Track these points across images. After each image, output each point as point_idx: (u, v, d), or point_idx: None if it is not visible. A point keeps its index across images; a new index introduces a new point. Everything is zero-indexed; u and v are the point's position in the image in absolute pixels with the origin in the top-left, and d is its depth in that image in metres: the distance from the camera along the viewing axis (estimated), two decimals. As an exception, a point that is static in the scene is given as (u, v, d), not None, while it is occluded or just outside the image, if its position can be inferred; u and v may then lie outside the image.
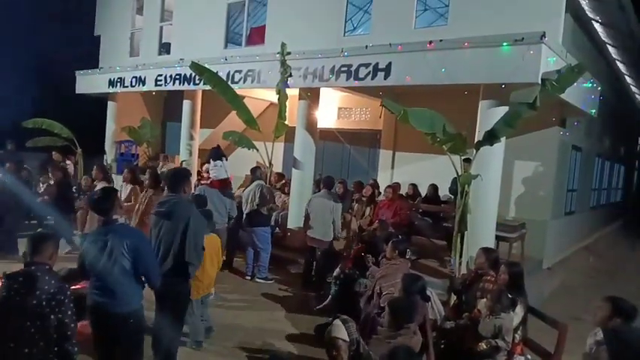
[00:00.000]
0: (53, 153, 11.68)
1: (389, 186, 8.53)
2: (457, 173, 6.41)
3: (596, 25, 10.06)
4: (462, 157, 6.56)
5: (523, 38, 6.15)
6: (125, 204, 7.28)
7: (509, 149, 7.21)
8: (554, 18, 6.74)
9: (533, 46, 6.10)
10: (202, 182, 8.63)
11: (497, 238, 7.39)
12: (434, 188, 9.49)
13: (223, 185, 7.48)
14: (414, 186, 9.74)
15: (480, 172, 6.35)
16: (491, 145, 6.19)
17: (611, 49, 11.65)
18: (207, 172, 8.72)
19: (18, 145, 12.26)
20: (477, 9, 7.41)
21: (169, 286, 3.84)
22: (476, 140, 6.49)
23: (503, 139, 6.38)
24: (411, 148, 10.61)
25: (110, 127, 13.88)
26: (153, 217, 4.11)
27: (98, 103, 14.46)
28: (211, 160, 8.26)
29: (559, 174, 9.20)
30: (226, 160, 8.45)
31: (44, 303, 2.78)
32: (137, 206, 6.71)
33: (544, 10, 6.78)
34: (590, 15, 9.48)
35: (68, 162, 11.66)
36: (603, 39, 10.90)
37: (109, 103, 13.90)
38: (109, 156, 13.83)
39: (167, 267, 3.87)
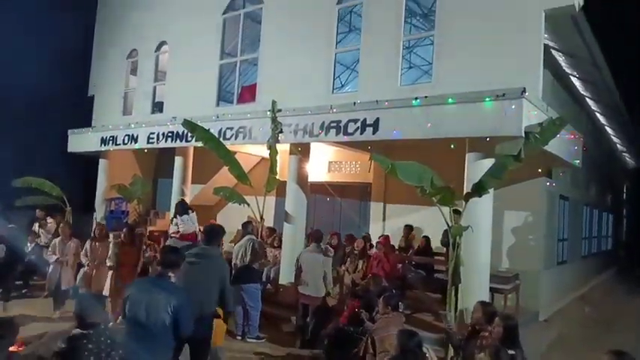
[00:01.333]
0: (37, 211, 11.58)
1: (378, 241, 8.51)
2: (448, 225, 6.45)
3: (574, 80, 10.53)
4: (452, 209, 6.62)
5: (504, 94, 6.41)
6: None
7: (498, 200, 7.31)
8: (533, 74, 7.04)
9: (514, 101, 6.34)
10: (172, 235, 8.64)
11: (492, 290, 7.34)
12: (426, 240, 9.49)
13: (192, 238, 7.95)
14: (406, 238, 9.73)
15: (470, 224, 6.38)
16: (480, 196, 6.27)
17: (590, 102, 12.12)
18: (177, 225, 8.84)
19: (6, 204, 12.14)
20: (458, 66, 7.74)
21: (198, 333, 4.14)
22: (464, 192, 6.58)
23: (491, 190, 6.48)
24: (401, 200, 10.69)
25: (101, 184, 13.87)
26: (186, 265, 4.43)
27: (89, 161, 14.54)
28: (178, 216, 8.57)
29: (549, 223, 9.28)
30: (193, 212, 8.79)
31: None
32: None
33: (523, 67, 7.10)
34: (568, 70, 9.95)
35: (50, 220, 11.51)
36: (582, 92, 11.37)
37: (101, 160, 13.97)
38: (99, 213, 13.72)
39: (199, 314, 4.20)
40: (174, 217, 9.09)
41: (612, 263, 18.87)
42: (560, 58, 9.28)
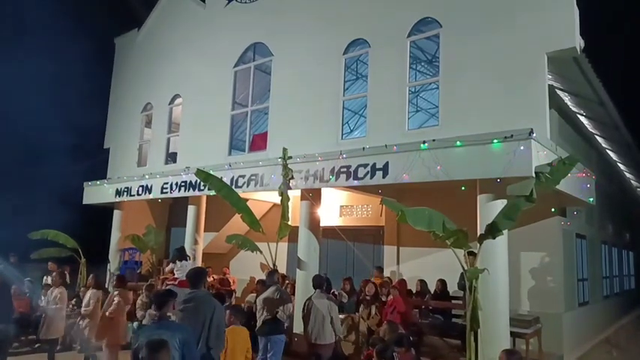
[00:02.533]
0: (49, 263, 11.69)
1: (394, 285, 8.36)
2: (463, 268, 6.36)
3: (582, 119, 10.59)
4: (466, 251, 6.55)
5: (512, 135, 6.47)
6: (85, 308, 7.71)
7: (513, 241, 7.22)
8: (540, 115, 7.12)
9: (523, 142, 6.39)
10: (169, 282, 8.61)
11: (513, 334, 7.12)
12: (442, 283, 9.31)
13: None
14: (421, 282, 9.56)
15: (486, 266, 6.30)
16: (494, 238, 6.21)
17: (599, 139, 12.12)
18: (172, 272, 8.86)
19: (21, 257, 12.26)
20: (464, 110, 7.86)
21: None
22: (478, 234, 6.53)
23: (505, 231, 6.42)
24: (415, 243, 10.58)
25: (115, 235, 14.00)
26: (178, 313, 4.77)
27: (103, 212, 14.75)
28: (177, 261, 8.64)
29: (567, 263, 9.09)
30: (189, 259, 8.93)
31: None
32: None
33: (529, 108, 7.19)
34: (575, 110, 10.03)
35: (65, 272, 11.54)
36: (591, 130, 11.39)
37: (115, 211, 14.17)
38: (113, 264, 13.77)
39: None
40: (172, 262, 9.16)
41: (637, 303, 18.22)
42: (566, 98, 9.38)
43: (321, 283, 7.24)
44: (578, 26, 7.02)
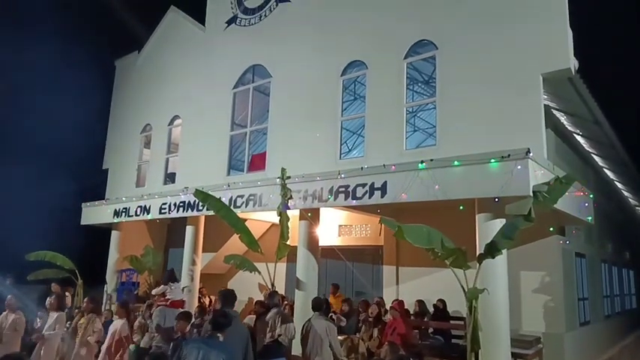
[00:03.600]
0: (52, 285, 11.56)
1: (392, 306, 8.29)
2: (463, 288, 6.32)
3: (578, 138, 10.68)
4: (465, 271, 6.52)
5: (509, 155, 6.52)
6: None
7: (513, 260, 7.21)
8: (536, 134, 7.17)
9: (520, 162, 6.44)
10: (159, 304, 8.56)
11: (514, 355, 7.04)
12: (442, 303, 9.24)
13: (181, 306, 8.21)
14: (420, 302, 9.48)
15: (485, 286, 6.27)
16: (493, 257, 6.19)
17: (596, 158, 12.19)
18: (162, 294, 8.82)
19: (18, 278, 12.16)
20: (462, 129, 7.93)
21: None
22: (477, 253, 6.51)
23: (504, 251, 6.41)
24: (414, 263, 10.54)
25: (113, 256, 13.91)
26: (208, 326, 5.16)
27: (102, 233, 14.68)
28: (170, 283, 8.68)
29: (567, 282, 9.05)
30: (179, 282, 8.99)
31: None
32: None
33: (526, 128, 7.25)
34: (570, 129, 10.12)
35: (67, 294, 11.48)
36: (587, 149, 11.47)
37: (113, 232, 14.11)
38: (110, 286, 13.65)
39: None
40: (164, 283, 9.15)
41: (639, 323, 18.05)
42: (562, 117, 9.48)
43: (320, 305, 7.16)
44: (572, 47, 7.14)
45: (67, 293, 11.55)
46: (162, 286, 9.15)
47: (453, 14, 8.37)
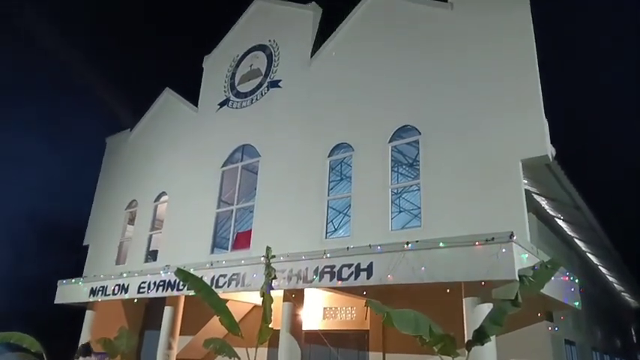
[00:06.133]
0: None
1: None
2: (452, 377, 6.04)
3: (561, 222, 10.85)
4: (454, 358, 6.27)
5: (493, 238, 6.57)
6: None
7: (502, 347, 6.99)
8: (519, 218, 7.29)
9: (504, 245, 6.47)
10: None
11: None
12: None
13: None
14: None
15: (475, 375, 6.00)
16: (482, 344, 6.00)
17: (579, 242, 12.32)
18: None
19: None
20: (446, 211, 8.04)
21: None
22: (466, 339, 6.31)
23: (493, 337, 6.23)
24: (402, 349, 10.10)
25: (85, 338, 13.11)
26: None
27: (76, 312, 13.97)
28: (81, 357, 8.38)
29: (559, 372, 8.71)
30: (94, 355, 8.38)
31: None
32: None
33: (508, 211, 7.38)
34: (552, 213, 10.31)
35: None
36: (570, 233, 11.62)
37: (87, 312, 13.44)
38: (79, 371, 12.76)
39: None
40: (76, 358, 8.75)
41: (637, 417, 17.23)
42: (543, 202, 9.69)
43: None
44: (548, 136, 7.49)
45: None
46: None
47: (435, 103, 8.83)
